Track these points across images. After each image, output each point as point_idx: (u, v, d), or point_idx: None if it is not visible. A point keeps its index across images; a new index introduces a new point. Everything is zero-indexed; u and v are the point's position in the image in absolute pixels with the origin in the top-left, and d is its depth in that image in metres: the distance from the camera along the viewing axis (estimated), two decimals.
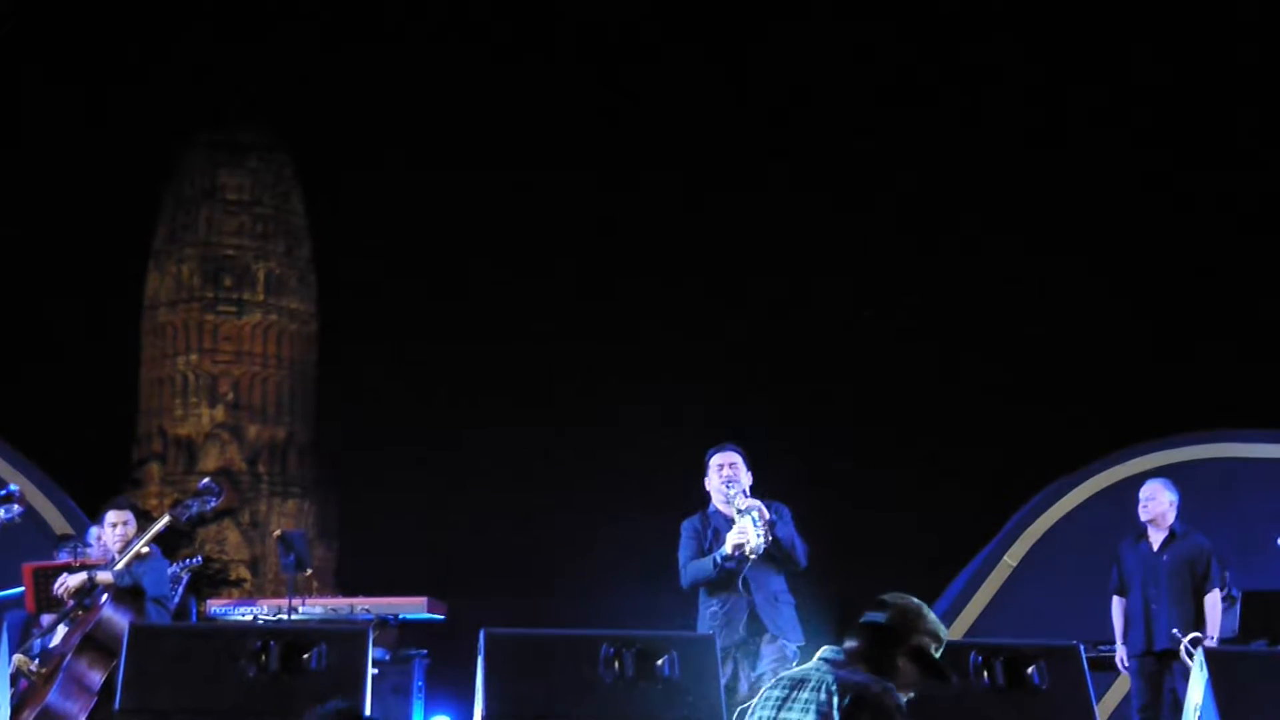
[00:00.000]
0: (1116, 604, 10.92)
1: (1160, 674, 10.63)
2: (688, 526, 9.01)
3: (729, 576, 8.64)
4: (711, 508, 9.01)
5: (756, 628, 8.62)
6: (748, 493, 8.83)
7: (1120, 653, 10.87)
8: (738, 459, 9.01)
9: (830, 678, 5.16)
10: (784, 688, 5.29)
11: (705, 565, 8.74)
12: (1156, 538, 10.82)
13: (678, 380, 38.59)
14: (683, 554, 8.96)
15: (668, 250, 42.28)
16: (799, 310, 40.30)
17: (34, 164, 38.75)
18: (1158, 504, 10.84)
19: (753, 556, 8.53)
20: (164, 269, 50.97)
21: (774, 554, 8.69)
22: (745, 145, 42.01)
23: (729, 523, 8.75)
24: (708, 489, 9.06)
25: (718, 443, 9.18)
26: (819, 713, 5.07)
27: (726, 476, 8.88)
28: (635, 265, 42.67)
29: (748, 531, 8.53)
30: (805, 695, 5.16)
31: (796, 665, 8.18)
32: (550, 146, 43.17)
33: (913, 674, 5.29)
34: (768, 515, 8.65)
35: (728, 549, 8.57)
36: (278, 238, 51.73)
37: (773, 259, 41.04)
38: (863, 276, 39.30)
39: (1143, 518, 10.87)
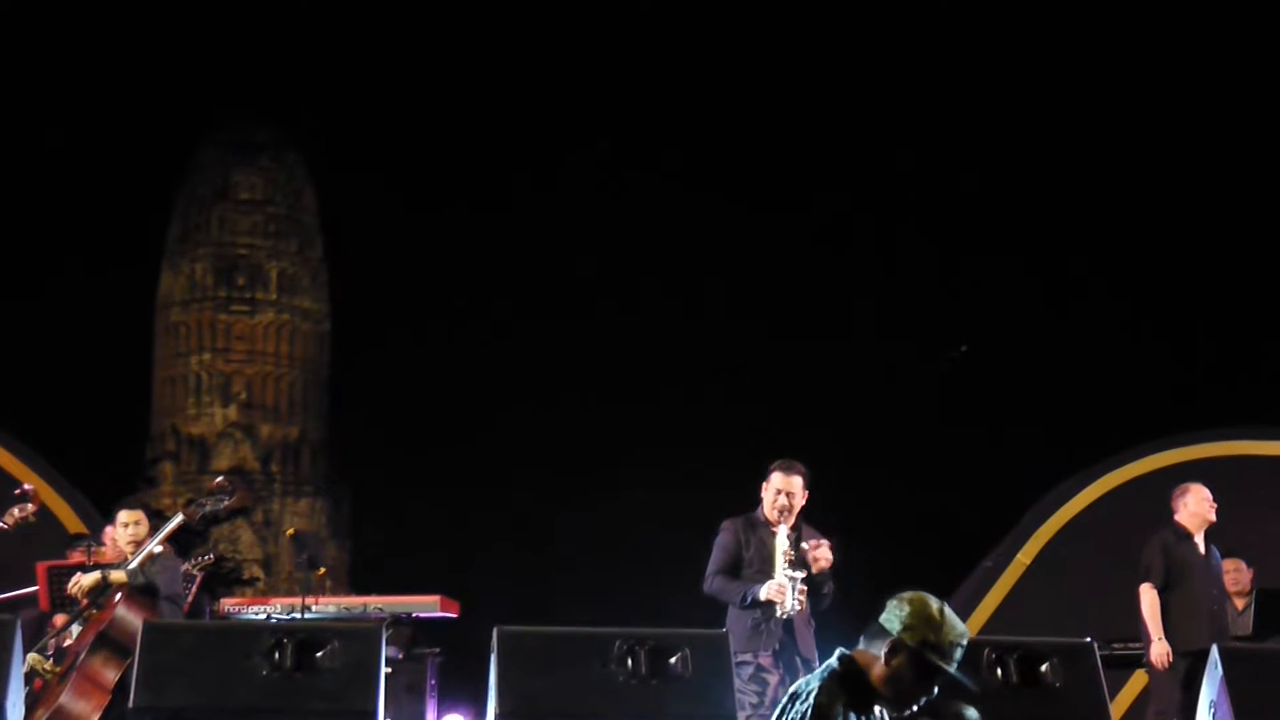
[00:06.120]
0: (1153, 596, 10.32)
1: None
2: (729, 529, 8.95)
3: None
4: (760, 514, 8.95)
5: (790, 646, 8.63)
6: (793, 536, 8.78)
7: (1163, 648, 10.20)
8: (797, 488, 8.89)
9: (816, 683, 5.04)
10: (789, 698, 5.21)
11: (732, 594, 8.73)
12: (1201, 540, 10.53)
13: (697, 375, 38.58)
14: (715, 559, 8.91)
15: (678, 250, 42.16)
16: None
17: (45, 164, 38.88)
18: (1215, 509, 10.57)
19: (781, 618, 8.56)
20: (177, 268, 51.04)
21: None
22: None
23: (773, 537, 8.74)
24: (762, 495, 9.00)
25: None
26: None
27: (781, 506, 8.80)
28: (640, 260, 42.57)
29: (785, 595, 8.54)
30: (796, 706, 5.04)
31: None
32: (563, 134, 43.05)
33: (908, 673, 4.92)
34: (801, 585, 8.61)
35: (761, 597, 8.59)
36: (290, 237, 51.79)
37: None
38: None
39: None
